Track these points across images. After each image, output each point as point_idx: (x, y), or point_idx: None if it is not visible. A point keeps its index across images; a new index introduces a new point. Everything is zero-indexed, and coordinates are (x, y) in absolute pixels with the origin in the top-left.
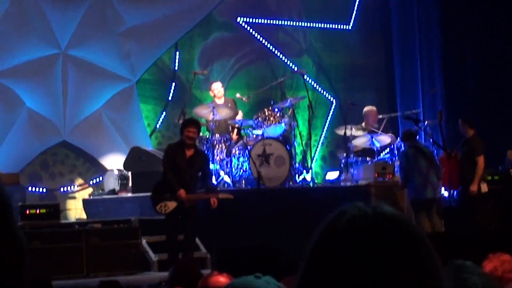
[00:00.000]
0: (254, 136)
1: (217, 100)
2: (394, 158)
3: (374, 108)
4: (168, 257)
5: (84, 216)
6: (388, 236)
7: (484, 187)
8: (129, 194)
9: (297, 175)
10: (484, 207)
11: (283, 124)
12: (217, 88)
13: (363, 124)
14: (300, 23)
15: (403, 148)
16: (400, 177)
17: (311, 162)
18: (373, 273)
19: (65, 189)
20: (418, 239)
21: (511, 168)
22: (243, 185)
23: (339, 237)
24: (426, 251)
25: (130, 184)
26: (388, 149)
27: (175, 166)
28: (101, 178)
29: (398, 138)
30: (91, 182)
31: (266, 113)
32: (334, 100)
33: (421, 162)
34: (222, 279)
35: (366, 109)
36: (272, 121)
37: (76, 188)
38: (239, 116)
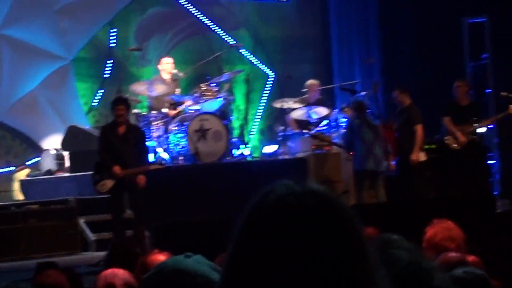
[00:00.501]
0: (191, 111)
1: (164, 75)
2: (331, 130)
3: (315, 81)
4: (114, 236)
5: (22, 197)
6: (317, 214)
7: (423, 156)
8: (67, 174)
9: (235, 150)
10: (423, 176)
11: (220, 99)
12: (169, 63)
13: (306, 97)
14: None
15: (339, 119)
16: (343, 146)
17: (249, 136)
18: (302, 251)
19: (2, 170)
20: (347, 216)
21: (446, 136)
22: (181, 162)
23: (267, 215)
24: (354, 229)
25: (67, 163)
26: (325, 120)
27: (110, 145)
28: (38, 158)
29: (335, 109)
30: (28, 163)
31: (203, 88)
32: (271, 73)
33: (366, 133)
34: (162, 257)
35: (308, 83)
36: (209, 96)
37: (13, 169)
38: (178, 93)
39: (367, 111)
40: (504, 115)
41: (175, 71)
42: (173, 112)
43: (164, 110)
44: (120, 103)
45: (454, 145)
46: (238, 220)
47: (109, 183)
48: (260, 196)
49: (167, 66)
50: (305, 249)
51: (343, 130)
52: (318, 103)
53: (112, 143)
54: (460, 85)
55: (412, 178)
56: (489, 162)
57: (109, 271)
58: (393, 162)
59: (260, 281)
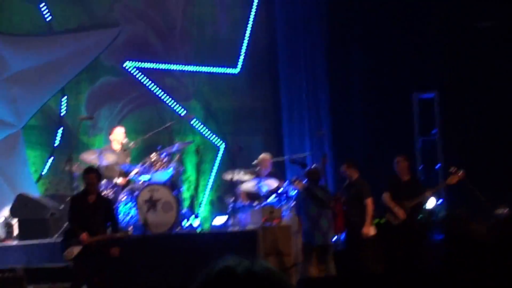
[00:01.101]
0: (141, 181)
1: (115, 145)
2: (281, 202)
3: (268, 156)
4: None
5: None
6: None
7: (372, 230)
8: (15, 242)
9: (184, 221)
10: (372, 251)
11: (170, 169)
12: (120, 132)
13: (257, 169)
14: (187, 67)
15: (290, 192)
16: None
17: (199, 207)
18: None
19: None
20: None
21: (388, 213)
22: (131, 232)
23: (214, 285)
24: None
25: (16, 231)
26: (275, 193)
27: (80, 214)
28: None
29: (286, 182)
30: None
31: (154, 158)
32: (222, 144)
33: (310, 207)
34: None
35: (260, 157)
36: (160, 166)
37: None
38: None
39: (319, 181)
40: (440, 187)
41: (125, 140)
42: (123, 181)
43: (114, 179)
44: (91, 172)
45: (393, 221)
46: None
47: (75, 250)
48: (209, 268)
49: (118, 136)
50: None
51: (293, 203)
52: (270, 175)
53: (82, 211)
54: (400, 160)
55: (361, 252)
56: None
57: None
58: (341, 236)
59: None
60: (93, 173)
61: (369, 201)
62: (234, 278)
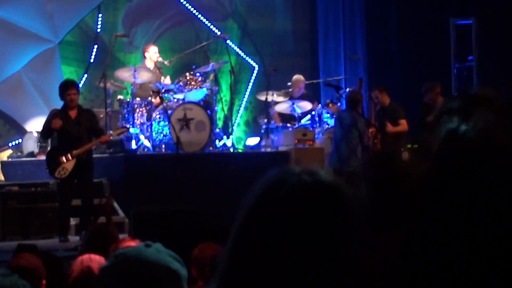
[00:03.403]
0: (175, 100)
1: (148, 63)
2: (315, 125)
3: (301, 77)
4: (62, 223)
5: (2, 178)
6: (327, 204)
7: (405, 156)
8: None
9: (217, 141)
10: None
11: (204, 89)
12: (155, 51)
13: (290, 91)
14: None
15: (323, 115)
16: None
17: (232, 128)
18: (310, 241)
19: None
20: (355, 207)
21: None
22: (163, 150)
23: (279, 204)
24: (361, 220)
25: (49, 147)
26: (309, 115)
27: (63, 130)
28: (20, 140)
29: (319, 104)
30: (10, 144)
31: (188, 77)
32: (256, 65)
33: (336, 130)
34: (133, 244)
35: (294, 78)
36: (194, 85)
37: None
38: (167, 81)
39: (355, 106)
40: None
41: (160, 59)
42: (157, 100)
43: (148, 97)
44: (71, 87)
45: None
46: (241, 207)
47: (68, 166)
48: (269, 184)
49: (152, 54)
50: (314, 239)
51: (326, 126)
52: (303, 97)
53: (64, 127)
54: (431, 87)
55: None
56: None
57: (86, 256)
58: None
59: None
60: (74, 88)
61: (403, 122)
62: (299, 195)
